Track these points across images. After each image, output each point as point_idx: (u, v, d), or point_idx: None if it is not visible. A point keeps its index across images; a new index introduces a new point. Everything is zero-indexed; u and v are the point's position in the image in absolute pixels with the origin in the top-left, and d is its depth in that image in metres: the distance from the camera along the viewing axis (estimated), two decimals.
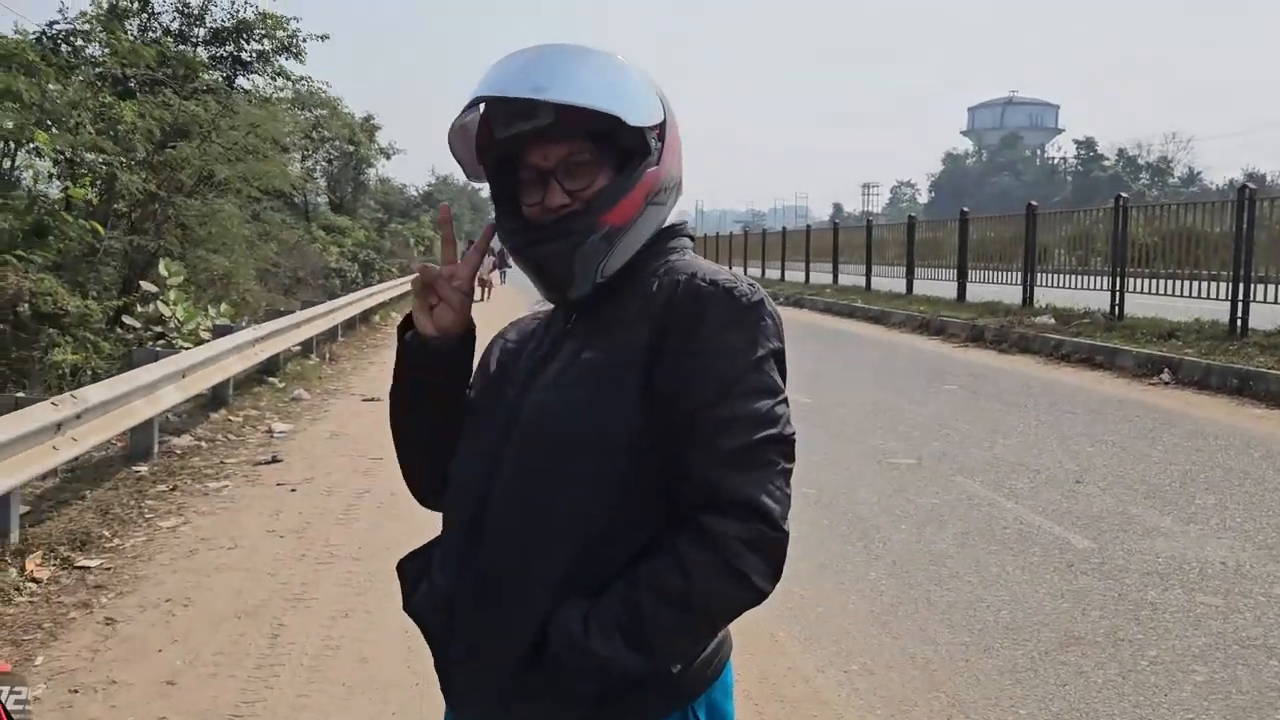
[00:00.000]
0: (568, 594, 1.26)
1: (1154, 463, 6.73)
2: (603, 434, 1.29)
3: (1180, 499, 5.79)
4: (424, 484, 1.53)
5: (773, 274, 30.84)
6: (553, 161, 1.35)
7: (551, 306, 1.48)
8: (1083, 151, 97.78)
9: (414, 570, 1.46)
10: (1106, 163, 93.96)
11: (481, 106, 1.39)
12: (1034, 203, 16.51)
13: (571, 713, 1.28)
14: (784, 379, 1.34)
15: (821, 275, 25.86)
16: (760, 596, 1.25)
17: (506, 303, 28.53)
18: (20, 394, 5.52)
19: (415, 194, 55.85)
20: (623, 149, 1.37)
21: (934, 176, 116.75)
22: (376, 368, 12.85)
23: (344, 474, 6.85)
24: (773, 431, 1.28)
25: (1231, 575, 4.52)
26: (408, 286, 19.34)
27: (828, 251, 25.45)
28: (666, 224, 1.45)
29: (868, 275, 22.29)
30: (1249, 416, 8.43)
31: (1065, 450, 7.14)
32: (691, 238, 1.49)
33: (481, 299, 29.26)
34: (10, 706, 1.72)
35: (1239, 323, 11.35)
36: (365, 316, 17.71)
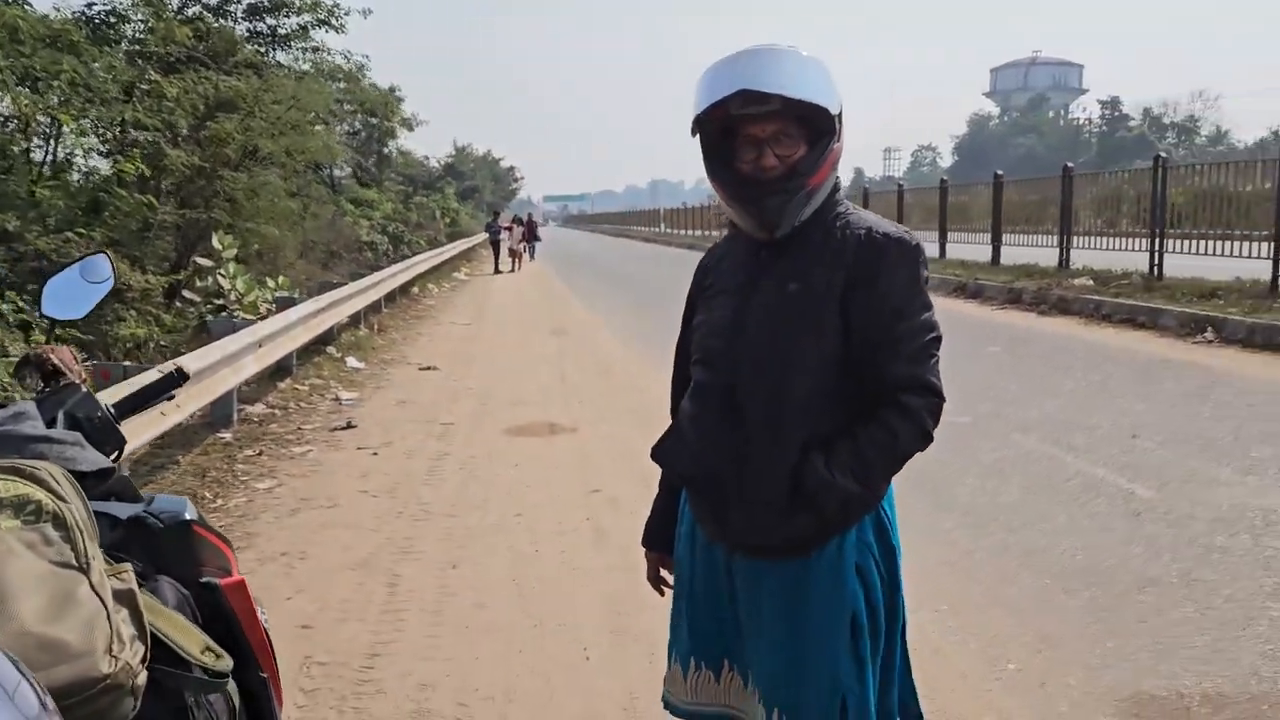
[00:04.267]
0: (807, 450, 1.82)
1: (1206, 419, 6.90)
2: (818, 345, 1.83)
3: (1236, 452, 5.97)
4: None
5: None
6: (768, 133, 1.81)
7: (725, 237, 2.09)
8: (1107, 112, 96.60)
9: (667, 453, 2.06)
10: (1132, 123, 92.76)
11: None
12: (1069, 165, 16.52)
13: (821, 522, 1.85)
14: None
15: None
16: (930, 441, 1.84)
17: (537, 275, 28.72)
18: (127, 364, 5.79)
19: (437, 166, 55.96)
20: (815, 127, 1.82)
21: (958, 139, 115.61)
22: (425, 338, 13.13)
23: (419, 439, 7.11)
24: (934, 334, 1.84)
25: None
26: (443, 257, 19.56)
27: None
28: None
29: None
30: None
31: (1116, 408, 7.32)
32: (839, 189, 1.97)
33: (513, 270, 29.48)
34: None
35: None
36: (404, 289, 17.97)
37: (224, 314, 9.53)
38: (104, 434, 1.78)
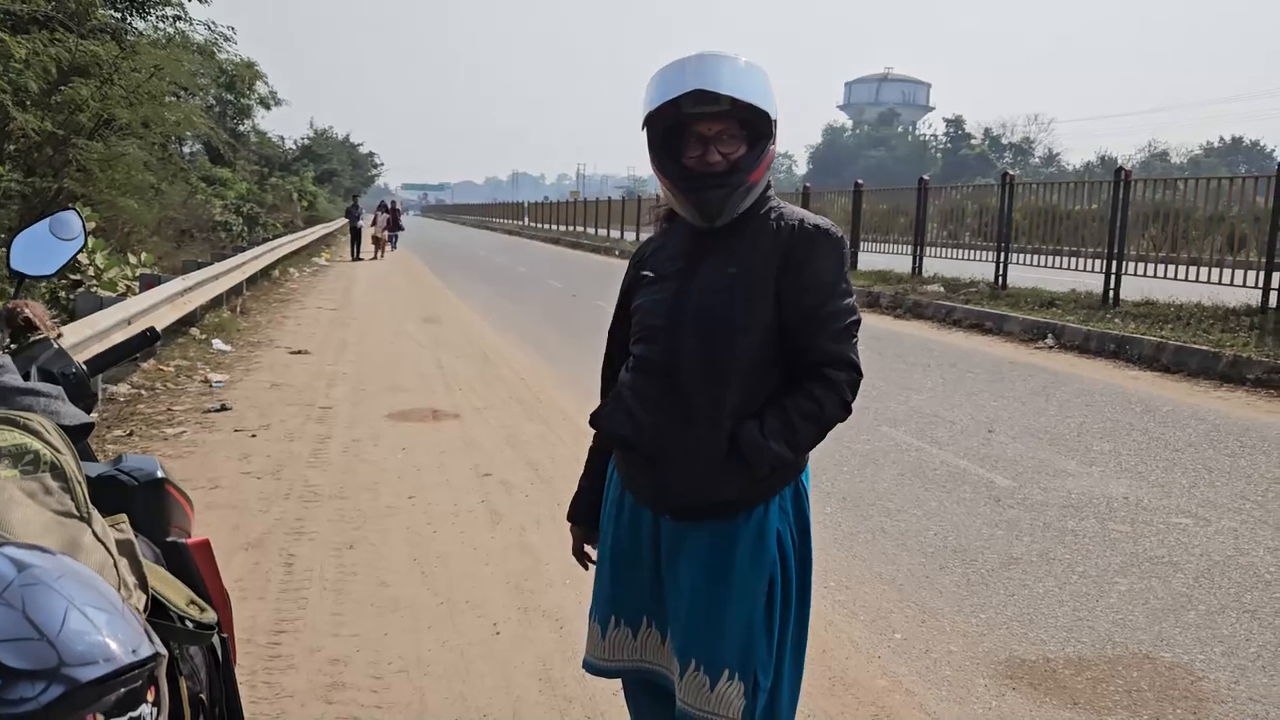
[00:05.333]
0: (740, 417, 1.98)
1: (1051, 416, 7.47)
2: (753, 322, 1.98)
3: (1080, 446, 6.50)
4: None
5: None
6: (713, 132, 1.97)
7: (659, 231, 2.21)
8: (952, 130, 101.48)
9: (606, 418, 2.12)
10: (974, 141, 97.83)
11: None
12: (925, 177, 17.39)
13: (753, 484, 1.99)
14: None
15: None
16: (850, 412, 2.02)
17: (401, 263, 28.21)
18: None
19: (293, 147, 54.04)
20: (754, 129, 1.99)
21: (813, 149, 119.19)
22: (292, 322, 12.77)
23: (298, 421, 6.97)
24: (856, 317, 2.03)
25: (1133, 508, 5.20)
26: (303, 242, 18.96)
27: None
28: None
29: None
30: (1126, 377, 9.33)
31: (973, 404, 7.83)
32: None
33: (376, 257, 28.85)
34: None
35: (1112, 293, 12.40)
36: (265, 272, 17.38)
37: (81, 290, 9.05)
38: (78, 390, 1.77)
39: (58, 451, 1.51)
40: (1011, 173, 15.24)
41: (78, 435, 1.68)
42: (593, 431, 2.26)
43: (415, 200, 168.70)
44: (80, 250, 1.93)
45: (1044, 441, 6.61)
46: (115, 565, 1.47)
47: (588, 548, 2.35)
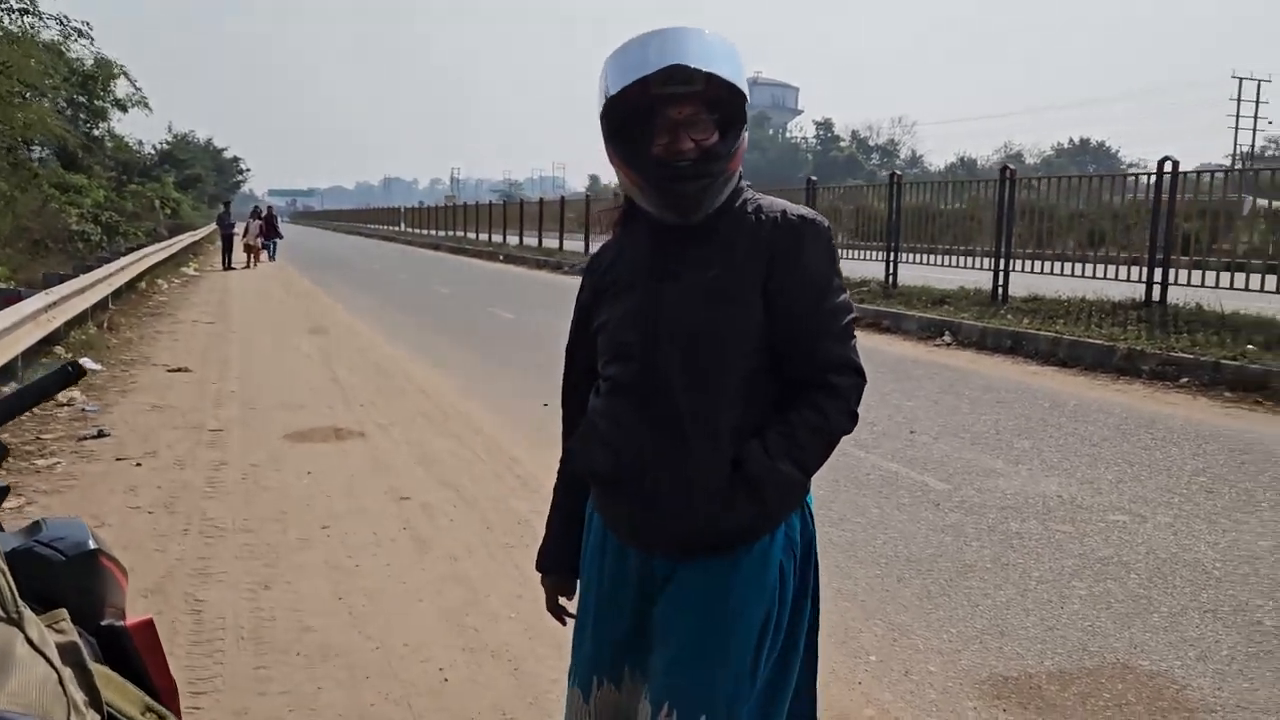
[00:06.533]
0: (740, 437, 1.75)
1: (965, 414, 7.50)
2: (745, 330, 1.76)
3: (1001, 444, 6.51)
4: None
5: (530, 241, 32.23)
6: (684, 116, 1.72)
7: (613, 238, 1.95)
8: (822, 132, 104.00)
9: (582, 455, 1.88)
10: (843, 143, 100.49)
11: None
12: (814, 178, 17.57)
13: (760, 513, 1.76)
14: None
15: (576, 243, 27.36)
16: (857, 422, 1.81)
17: (277, 272, 27.08)
18: None
19: (153, 152, 51.38)
20: (725, 113, 1.75)
21: None
22: (167, 337, 11.95)
23: (187, 446, 6.42)
24: (854, 314, 1.84)
25: (1070, 507, 5.18)
26: (170, 251, 17.95)
27: (583, 222, 27.02)
28: None
29: None
30: (1027, 372, 9.50)
31: (887, 405, 7.80)
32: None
33: (249, 266, 27.59)
34: None
35: (1000, 291, 12.70)
36: (132, 284, 16.31)
37: None
38: None
39: None
40: (898, 173, 15.48)
41: None
42: (555, 464, 2.00)
43: (284, 206, 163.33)
44: None
45: (966, 441, 6.60)
46: (60, 680, 1.13)
47: (563, 600, 2.07)
